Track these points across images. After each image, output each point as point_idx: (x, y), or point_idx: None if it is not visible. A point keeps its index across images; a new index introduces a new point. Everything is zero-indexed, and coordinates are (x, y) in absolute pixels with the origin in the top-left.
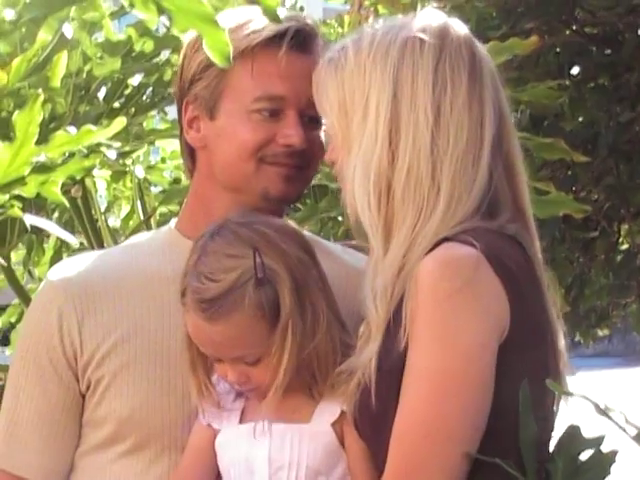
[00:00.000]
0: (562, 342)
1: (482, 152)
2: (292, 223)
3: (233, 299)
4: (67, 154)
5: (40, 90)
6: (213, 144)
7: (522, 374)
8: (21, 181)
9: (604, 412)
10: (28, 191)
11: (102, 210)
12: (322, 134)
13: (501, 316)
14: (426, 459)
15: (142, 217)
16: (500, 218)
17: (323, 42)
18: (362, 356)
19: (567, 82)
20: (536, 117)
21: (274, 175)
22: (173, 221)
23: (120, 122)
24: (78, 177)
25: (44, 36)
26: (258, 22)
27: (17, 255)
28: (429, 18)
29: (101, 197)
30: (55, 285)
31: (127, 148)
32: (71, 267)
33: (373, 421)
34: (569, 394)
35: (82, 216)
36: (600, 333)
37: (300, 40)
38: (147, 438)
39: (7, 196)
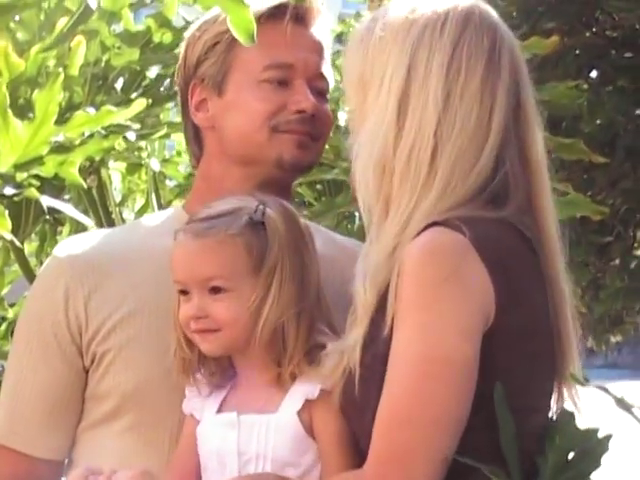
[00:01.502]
0: (570, 338)
1: (487, 142)
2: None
3: (223, 222)
4: (86, 135)
5: (60, 69)
6: (223, 120)
7: (508, 363)
8: (39, 160)
9: (625, 405)
10: (46, 171)
11: (117, 202)
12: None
13: (486, 305)
14: (409, 445)
15: (157, 210)
16: (507, 208)
17: (324, 18)
18: (348, 340)
19: (585, 85)
20: (554, 119)
21: (287, 142)
22: (180, 204)
23: (140, 103)
24: (97, 158)
25: (62, 24)
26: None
27: (30, 247)
28: (458, 0)
29: (116, 189)
30: (62, 261)
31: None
32: (78, 244)
33: (356, 406)
34: (585, 384)
35: (97, 208)
36: (613, 339)
37: (302, 11)
38: (149, 415)
39: (25, 175)
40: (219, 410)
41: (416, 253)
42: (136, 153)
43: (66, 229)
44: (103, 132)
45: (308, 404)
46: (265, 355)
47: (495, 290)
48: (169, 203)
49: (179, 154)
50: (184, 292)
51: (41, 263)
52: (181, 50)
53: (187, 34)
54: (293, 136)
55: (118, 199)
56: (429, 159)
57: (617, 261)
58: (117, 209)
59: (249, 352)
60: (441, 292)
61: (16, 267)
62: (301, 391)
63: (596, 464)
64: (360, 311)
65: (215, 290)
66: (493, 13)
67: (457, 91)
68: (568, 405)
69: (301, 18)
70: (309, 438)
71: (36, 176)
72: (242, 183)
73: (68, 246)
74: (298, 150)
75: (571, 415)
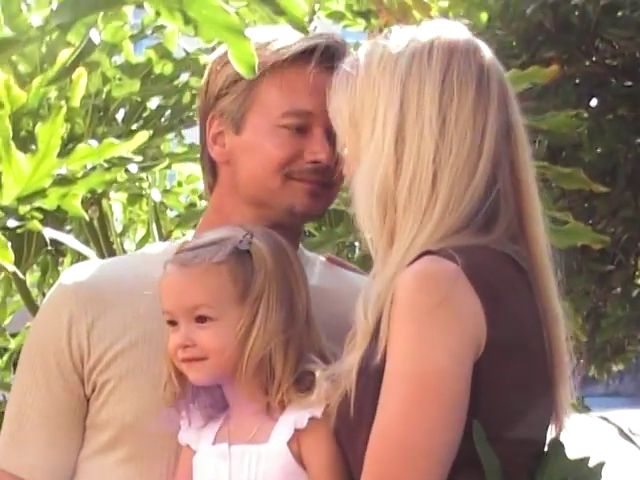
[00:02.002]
0: (565, 368)
1: (479, 164)
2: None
3: (208, 251)
4: (88, 167)
5: (62, 102)
6: (238, 159)
7: (499, 391)
8: (42, 193)
9: (627, 435)
10: (49, 203)
11: (118, 233)
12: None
13: (477, 333)
14: (399, 475)
15: (157, 240)
16: (495, 233)
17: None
18: (344, 364)
19: (585, 114)
20: (554, 148)
21: (300, 191)
22: (190, 234)
23: (142, 136)
24: (99, 190)
25: (65, 57)
26: (287, 39)
27: (32, 277)
28: (441, 29)
29: (117, 220)
30: (67, 289)
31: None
32: (84, 272)
33: (350, 430)
34: (586, 412)
35: (98, 238)
36: (614, 368)
37: (329, 56)
38: (147, 446)
39: (28, 207)
40: (214, 441)
41: (409, 280)
42: (137, 184)
43: (67, 260)
44: (105, 165)
45: (297, 433)
46: (253, 384)
47: (487, 318)
48: (170, 233)
49: (180, 184)
50: (173, 322)
51: (43, 294)
52: (204, 75)
53: (211, 58)
54: (306, 185)
55: (119, 230)
56: (430, 186)
57: (618, 290)
58: (118, 240)
59: (237, 381)
60: (433, 318)
61: (18, 298)
62: (291, 420)
63: None
64: (359, 336)
65: (201, 319)
66: (475, 39)
67: (452, 117)
68: (564, 434)
69: (329, 59)
70: (300, 468)
71: (39, 208)
72: (252, 222)
73: (74, 274)
74: (310, 199)
75: (561, 445)
